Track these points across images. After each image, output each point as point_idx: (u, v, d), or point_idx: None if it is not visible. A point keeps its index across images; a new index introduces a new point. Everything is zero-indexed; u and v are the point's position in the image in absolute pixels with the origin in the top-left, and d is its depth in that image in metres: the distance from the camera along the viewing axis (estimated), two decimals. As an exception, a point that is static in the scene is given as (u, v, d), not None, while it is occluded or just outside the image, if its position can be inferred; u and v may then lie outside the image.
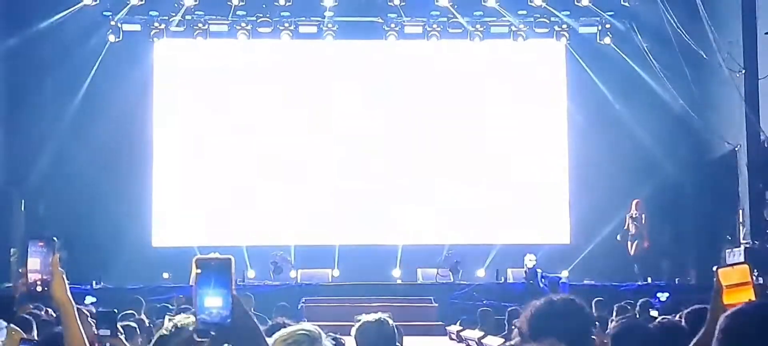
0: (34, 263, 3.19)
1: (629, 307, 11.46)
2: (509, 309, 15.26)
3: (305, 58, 18.60)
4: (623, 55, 17.95)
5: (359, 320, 4.36)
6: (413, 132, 18.67)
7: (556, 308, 3.54)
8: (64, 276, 3.26)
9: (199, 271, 2.25)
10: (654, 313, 11.44)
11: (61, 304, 3.24)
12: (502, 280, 17.45)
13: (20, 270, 3.26)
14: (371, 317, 4.38)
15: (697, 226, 17.95)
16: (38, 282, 3.19)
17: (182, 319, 3.15)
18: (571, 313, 3.54)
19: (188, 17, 17.92)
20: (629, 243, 17.61)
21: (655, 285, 16.46)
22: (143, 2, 17.46)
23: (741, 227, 16.30)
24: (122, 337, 5.26)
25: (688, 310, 5.36)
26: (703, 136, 17.28)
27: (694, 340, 3.37)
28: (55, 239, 3.21)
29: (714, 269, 3.22)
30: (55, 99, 17.22)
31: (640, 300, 11.81)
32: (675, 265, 17.82)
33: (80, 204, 16.92)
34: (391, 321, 4.37)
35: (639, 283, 16.69)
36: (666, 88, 17.45)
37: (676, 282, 16.91)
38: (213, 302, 2.25)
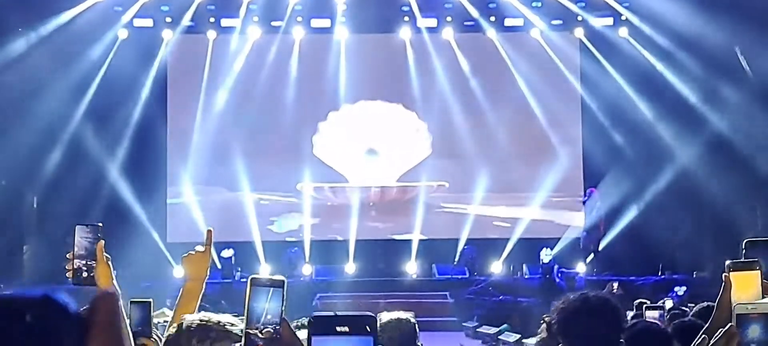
0: (80, 249, 3.20)
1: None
2: (523, 306, 15.31)
3: (318, 51, 18.51)
4: (639, 47, 17.77)
5: (379, 319, 4.30)
6: (427, 126, 18.59)
7: (591, 306, 3.40)
8: (110, 263, 3.23)
9: (253, 288, 2.34)
10: (669, 303, 11.33)
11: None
12: (518, 275, 17.36)
13: (67, 256, 3.23)
14: (393, 315, 4.34)
15: (715, 218, 17.76)
16: (83, 268, 3.18)
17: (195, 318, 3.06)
18: (605, 313, 3.40)
19: (200, 12, 17.87)
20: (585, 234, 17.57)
21: (672, 279, 16.33)
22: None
23: (759, 220, 16.16)
24: (157, 334, 3.87)
25: (699, 307, 5.24)
26: (720, 127, 17.08)
27: (701, 332, 3.28)
28: (101, 224, 3.18)
29: (727, 263, 3.16)
30: (67, 95, 17.17)
31: (636, 301, 11.68)
32: (693, 258, 17.63)
33: (93, 200, 16.86)
34: (412, 319, 4.34)
35: (656, 277, 16.57)
36: (682, 79, 17.28)
37: (694, 276, 16.71)
38: (264, 318, 2.34)
